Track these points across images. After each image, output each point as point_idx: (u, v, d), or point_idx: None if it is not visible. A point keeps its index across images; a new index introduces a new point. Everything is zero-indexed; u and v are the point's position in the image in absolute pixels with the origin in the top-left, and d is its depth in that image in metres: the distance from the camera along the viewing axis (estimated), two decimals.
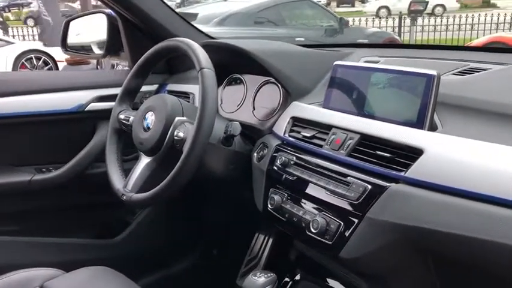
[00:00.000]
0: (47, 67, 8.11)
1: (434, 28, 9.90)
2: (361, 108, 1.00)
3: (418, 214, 0.79)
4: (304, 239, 0.96)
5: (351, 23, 9.70)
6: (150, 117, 1.13)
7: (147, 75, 1.24)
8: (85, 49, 1.75)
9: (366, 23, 10.00)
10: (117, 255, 1.52)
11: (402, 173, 0.83)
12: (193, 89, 1.44)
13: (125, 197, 1.10)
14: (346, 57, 1.32)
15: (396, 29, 10.20)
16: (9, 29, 11.89)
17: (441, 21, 9.82)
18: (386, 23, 10.05)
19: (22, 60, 7.97)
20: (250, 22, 6.04)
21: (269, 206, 1.06)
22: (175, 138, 1.07)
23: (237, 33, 5.63)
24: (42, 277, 1.02)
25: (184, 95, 1.44)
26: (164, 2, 1.49)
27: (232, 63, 1.33)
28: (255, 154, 1.18)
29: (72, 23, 1.70)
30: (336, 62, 1.09)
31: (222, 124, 1.16)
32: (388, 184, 0.84)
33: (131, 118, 1.20)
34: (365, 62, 1.25)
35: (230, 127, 1.13)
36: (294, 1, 7.02)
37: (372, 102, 0.99)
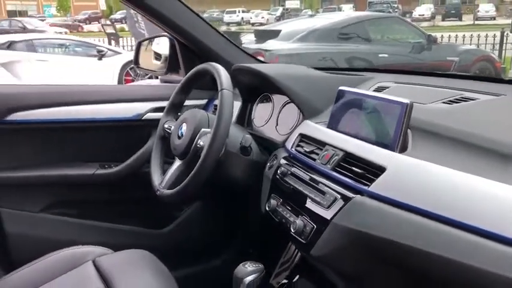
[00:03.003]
0: (148, 75, 8.87)
1: None
2: (352, 129, 1.13)
3: (373, 223, 0.91)
4: (290, 238, 1.12)
5: (446, 39, 9.36)
6: (184, 128, 1.35)
7: (190, 91, 1.47)
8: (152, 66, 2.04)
9: (463, 40, 9.58)
10: (162, 244, 1.74)
11: (366, 187, 0.96)
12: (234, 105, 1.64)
13: (158, 192, 1.33)
14: (363, 82, 1.42)
15: (497, 46, 9.60)
16: (120, 40, 13.11)
17: None
18: (486, 40, 9.49)
19: (127, 69, 8.83)
20: (333, 38, 6.10)
21: (267, 208, 1.24)
22: (198, 146, 1.28)
23: (319, 49, 5.73)
24: (94, 253, 1.22)
25: None
26: (213, 28, 1.72)
27: (262, 84, 1.52)
28: (268, 164, 1.35)
29: (143, 44, 2.01)
30: (340, 88, 1.23)
31: (242, 136, 1.36)
32: (353, 195, 0.97)
33: (172, 127, 1.44)
34: (377, 87, 1.36)
35: (243, 139, 1.32)
36: (381, 18, 6.98)
37: (361, 124, 1.11)
